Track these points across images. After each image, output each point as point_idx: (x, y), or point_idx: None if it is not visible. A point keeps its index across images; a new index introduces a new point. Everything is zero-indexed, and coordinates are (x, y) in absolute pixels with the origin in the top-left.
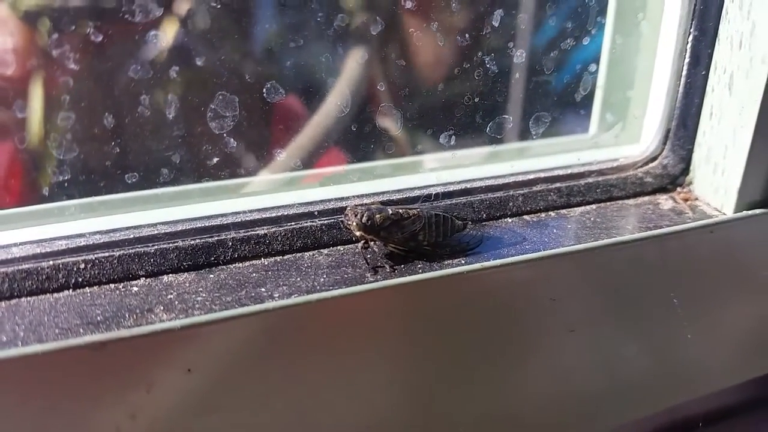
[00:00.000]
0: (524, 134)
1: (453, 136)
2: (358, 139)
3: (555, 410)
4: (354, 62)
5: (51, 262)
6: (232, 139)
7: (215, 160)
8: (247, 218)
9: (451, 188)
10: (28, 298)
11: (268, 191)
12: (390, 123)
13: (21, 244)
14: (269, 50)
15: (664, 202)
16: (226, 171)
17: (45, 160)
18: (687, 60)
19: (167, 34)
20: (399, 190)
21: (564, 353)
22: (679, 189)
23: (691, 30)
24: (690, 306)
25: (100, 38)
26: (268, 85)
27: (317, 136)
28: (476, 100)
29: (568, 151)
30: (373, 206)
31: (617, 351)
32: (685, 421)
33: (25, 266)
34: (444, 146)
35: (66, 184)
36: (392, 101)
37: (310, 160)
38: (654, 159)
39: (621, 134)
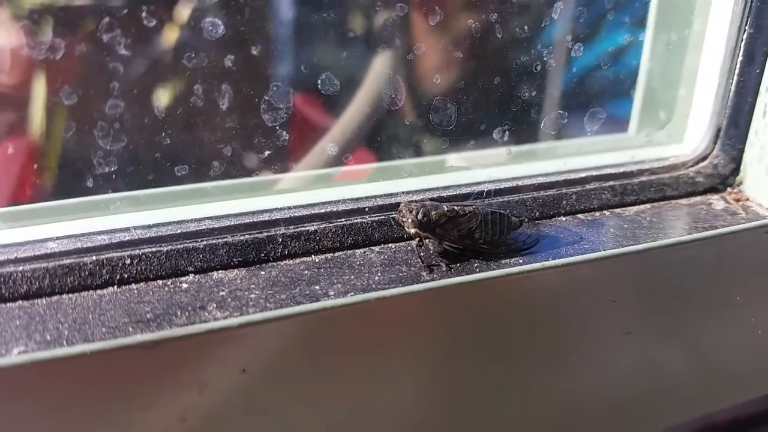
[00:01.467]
0: (568, 132)
1: (507, 132)
2: (409, 134)
3: (604, 413)
4: (402, 55)
5: (94, 258)
6: (284, 132)
7: (267, 153)
8: (296, 214)
9: (503, 185)
10: (70, 295)
11: (316, 186)
12: (443, 117)
13: (58, 238)
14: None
15: (716, 202)
16: (278, 165)
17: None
18: (740, 58)
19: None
20: (448, 187)
21: (619, 356)
22: (729, 189)
23: (746, 27)
24: (749, 305)
25: (153, 23)
26: (323, 76)
27: (360, 128)
28: (533, 94)
29: (610, 150)
30: (428, 203)
31: (670, 353)
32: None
33: (66, 261)
34: (498, 142)
35: (113, 176)
36: (447, 94)
37: (354, 154)
38: (704, 158)
39: (664, 133)
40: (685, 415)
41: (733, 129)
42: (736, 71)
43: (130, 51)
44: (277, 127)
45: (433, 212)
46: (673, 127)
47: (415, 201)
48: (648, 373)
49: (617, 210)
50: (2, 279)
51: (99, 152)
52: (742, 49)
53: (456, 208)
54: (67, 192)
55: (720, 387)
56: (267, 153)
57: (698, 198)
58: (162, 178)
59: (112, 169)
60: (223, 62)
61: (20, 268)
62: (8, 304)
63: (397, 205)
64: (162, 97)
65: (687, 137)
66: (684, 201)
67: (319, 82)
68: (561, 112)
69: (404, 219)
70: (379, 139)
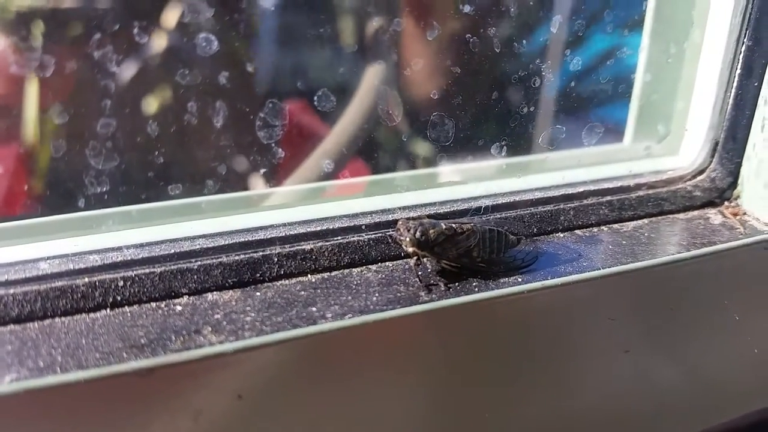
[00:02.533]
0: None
1: (504, 147)
2: (403, 148)
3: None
4: (396, 69)
5: (86, 279)
6: (279, 149)
7: (262, 170)
8: (291, 232)
9: (500, 201)
10: (63, 319)
11: (309, 201)
12: (440, 132)
13: (50, 258)
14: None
15: (714, 216)
16: (270, 178)
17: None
18: (738, 71)
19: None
20: (444, 202)
21: (617, 374)
22: (726, 203)
23: (744, 40)
24: (746, 321)
25: (144, 40)
26: (320, 93)
27: (353, 141)
28: (531, 109)
29: (607, 162)
30: (425, 221)
31: (668, 370)
32: None
33: (59, 284)
34: (493, 155)
35: (102, 193)
36: (444, 110)
37: (347, 168)
38: (702, 172)
39: (660, 146)
40: (680, 430)
41: (731, 143)
42: (734, 84)
43: (120, 68)
44: (270, 142)
45: (431, 231)
46: (670, 139)
47: (413, 219)
48: (646, 390)
49: (615, 225)
50: None
51: (89, 167)
52: (740, 61)
53: (454, 226)
54: (56, 207)
55: (716, 402)
56: (258, 167)
57: (696, 212)
58: (153, 192)
59: (104, 186)
60: (214, 77)
61: (11, 291)
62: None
63: (394, 222)
64: (151, 107)
65: (683, 150)
66: (681, 216)
67: (315, 98)
68: (558, 126)
69: (402, 237)
70: (373, 153)
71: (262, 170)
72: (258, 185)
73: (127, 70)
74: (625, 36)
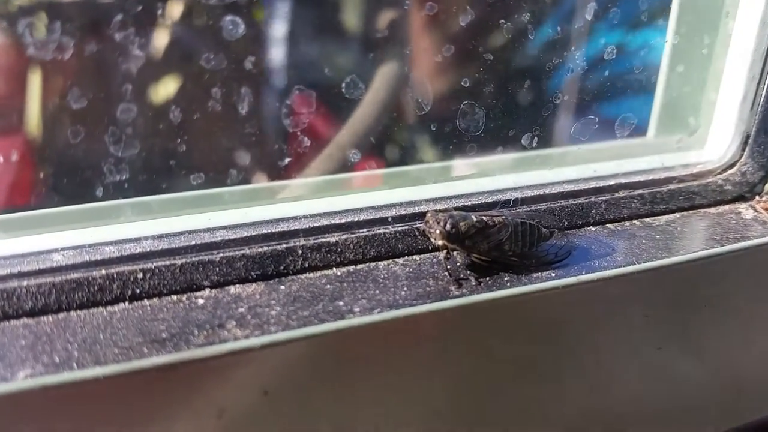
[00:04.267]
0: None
1: (536, 138)
2: (435, 137)
3: (631, 428)
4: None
5: (103, 272)
6: (306, 138)
7: (287, 160)
8: (315, 224)
9: (529, 193)
10: (79, 312)
11: (330, 192)
12: (471, 122)
13: (64, 249)
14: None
15: (745, 211)
16: (293, 172)
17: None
18: None
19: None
20: (471, 195)
21: (649, 371)
22: (757, 198)
23: None
24: None
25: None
26: (348, 80)
27: (370, 132)
28: (565, 98)
29: (632, 156)
30: (455, 213)
31: (699, 367)
32: None
33: (74, 276)
34: (526, 147)
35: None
36: (475, 99)
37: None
38: (732, 166)
39: (690, 138)
40: (711, 428)
41: (763, 136)
42: (766, 76)
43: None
44: (296, 131)
45: (462, 223)
46: (698, 133)
47: (442, 211)
48: (678, 388)
49: (647, 219)
50: (5, 294)
51: (105, 155)
52: None
53: (485, 218)
54: (71, 196)
55: (745, 402)
56: (278, 157)
57: (726, 207)
58: (170, 182)
59: (120, 174)
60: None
61: (24, 283)
62: (12, 322)
63: (421, 214)
64: (161, 94)
65: (710, 143)
66: (713, 210)
67: (343, 85)
68: (591, 117)
69: (431, 230)
70: (393, 144)
71: (285, 160)
72: (279, 176)
73: (148, 50)
74: (652, 28)
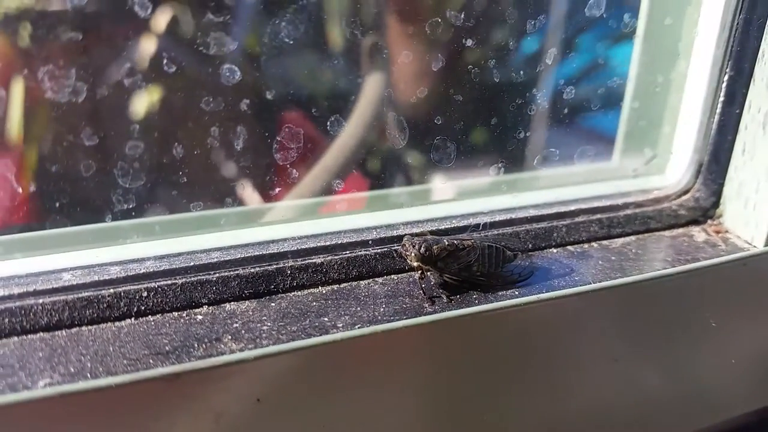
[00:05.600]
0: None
1: (502, 168)
2: (407, 168)
3: None
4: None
5: (112, 290)
6: (294, 170)
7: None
8: (303, 246)
9: (497, 218)
10: (90, 327)
11: (313, 216)
12: (444, 155)
13: (72, 269)
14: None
15: (698, 234)
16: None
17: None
18: (721, 99)
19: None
20: (444, 218)
21: (607, 382)
22: (710, 221)
23: (727, 70)
24: (726, 332)
25: (173, 69)
26: (332, 119)
27: (353, 156)
28: (527, 134)
29: (595, 180)
30: (429, 237)
31: (654, 378)
32: None
33: (85, 294)
34: (490, 173)
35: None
36: (446, 135)
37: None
38: (686, 192)
39: (646, 167)
40: None
41: (714, 165)
42: (718, 111)
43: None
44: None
45: (435, 247)
46: (657, 162)
47: (418, 235)
48: (634, 396)
49: (604, 242)
50: (23, 311)
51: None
52: (723, 90)
53: (456, 242)
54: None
55: (699, 408)
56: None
57: (680, 230)
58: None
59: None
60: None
61: (40, 301)
62: (29, 336)
63: (398, 237)
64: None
65: (669, 171)
66: (667, 233)
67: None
68: (552, 150)
69: (407, 253)
70: (373, 168)
71: (271, 184)
72: (267, 200)
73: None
74: (615, 66)
